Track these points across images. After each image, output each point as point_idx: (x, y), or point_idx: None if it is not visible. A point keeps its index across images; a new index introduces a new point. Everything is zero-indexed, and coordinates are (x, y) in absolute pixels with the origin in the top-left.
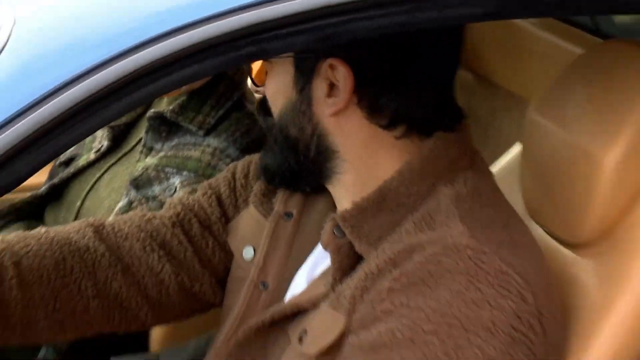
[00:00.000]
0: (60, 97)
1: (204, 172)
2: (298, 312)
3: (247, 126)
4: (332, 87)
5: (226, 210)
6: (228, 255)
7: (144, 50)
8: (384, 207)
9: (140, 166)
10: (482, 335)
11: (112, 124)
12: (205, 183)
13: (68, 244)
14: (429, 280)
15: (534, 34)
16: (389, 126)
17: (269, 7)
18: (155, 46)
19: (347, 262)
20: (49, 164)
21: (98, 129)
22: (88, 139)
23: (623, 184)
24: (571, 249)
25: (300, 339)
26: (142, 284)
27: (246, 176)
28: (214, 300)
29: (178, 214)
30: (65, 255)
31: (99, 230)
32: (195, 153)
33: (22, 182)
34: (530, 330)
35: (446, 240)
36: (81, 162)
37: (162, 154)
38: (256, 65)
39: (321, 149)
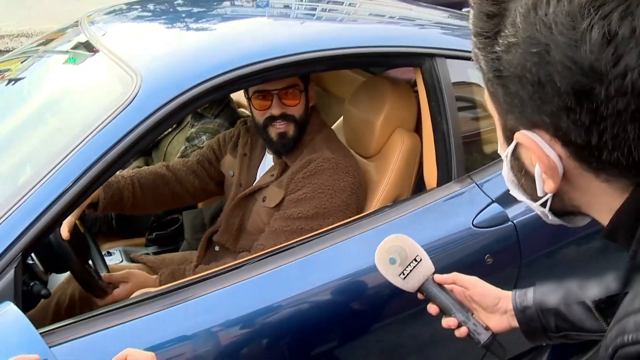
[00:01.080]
0: (186, 94)
1: (214, 133)
2: (259, 189)
3: (232, 114)
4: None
5: (217, 155)
6: (221, 175)
7: (216, 79)
8: (299, 147)
9: (189, 132)
10: (340, 192)
11: None
12: (207, 143)
13: (156, 173)
14: (318, 172)
15: (347, 72)
16: None
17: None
18: (222, 76)
19: (282, 168)
20: None
21: (197, 108)
22: None
23: (384, 132)
24: (365, 159)
25: (263, 200)
26: (187, 188)
27: (224, 140)
28: (217, 192)
29: (198, 159)
30: (155, 178)
31: (168, 167)
32: (210, 125)
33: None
34: (357, 189)
35: (323, 155)
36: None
37: (197, 126)
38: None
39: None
